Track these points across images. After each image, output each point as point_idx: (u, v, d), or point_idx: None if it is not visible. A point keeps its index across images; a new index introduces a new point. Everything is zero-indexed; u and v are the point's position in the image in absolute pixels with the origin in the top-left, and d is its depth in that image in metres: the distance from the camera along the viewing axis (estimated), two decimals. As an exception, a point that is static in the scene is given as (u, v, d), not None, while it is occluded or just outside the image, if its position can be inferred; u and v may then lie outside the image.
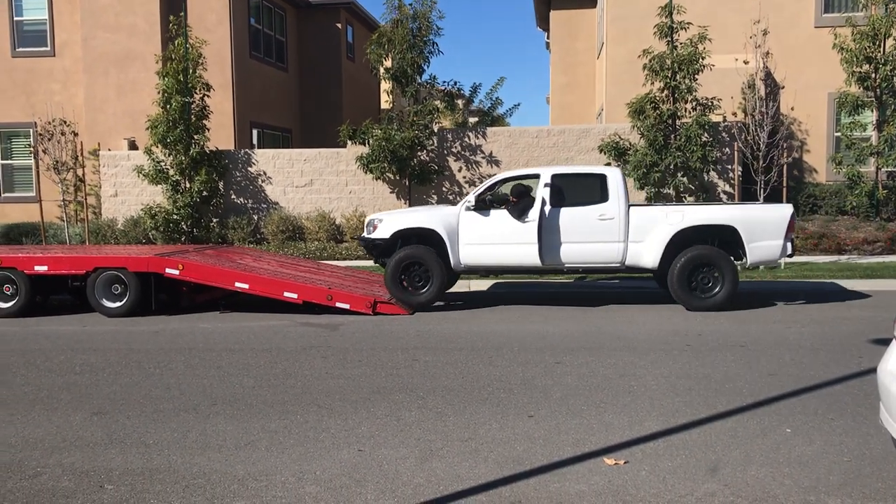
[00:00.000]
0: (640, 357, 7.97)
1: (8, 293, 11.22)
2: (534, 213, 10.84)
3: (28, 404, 6.52)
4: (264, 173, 18.88)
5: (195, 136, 17.96)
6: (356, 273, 13.21)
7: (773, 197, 15.65)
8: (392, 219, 11.36)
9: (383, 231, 11.26)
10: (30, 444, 5.50)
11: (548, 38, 28.06)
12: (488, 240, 11.05)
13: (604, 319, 10.24)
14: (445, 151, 18.89)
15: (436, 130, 18.52)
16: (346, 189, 18.87)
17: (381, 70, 18.47)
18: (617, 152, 17.59)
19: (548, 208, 10.93)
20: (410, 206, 18.38)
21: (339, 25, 26.02)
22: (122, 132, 20.40)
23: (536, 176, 11.19)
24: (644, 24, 17.97)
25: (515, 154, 18.82)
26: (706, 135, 16.86)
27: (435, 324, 10.07)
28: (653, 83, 16.91)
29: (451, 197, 18.98)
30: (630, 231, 10.87)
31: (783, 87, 18.02)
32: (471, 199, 11.12)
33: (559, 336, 9.14)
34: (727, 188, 17.68)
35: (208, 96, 18.30)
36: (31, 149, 19.23)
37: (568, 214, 10.96)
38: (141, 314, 11.02)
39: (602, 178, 11.09)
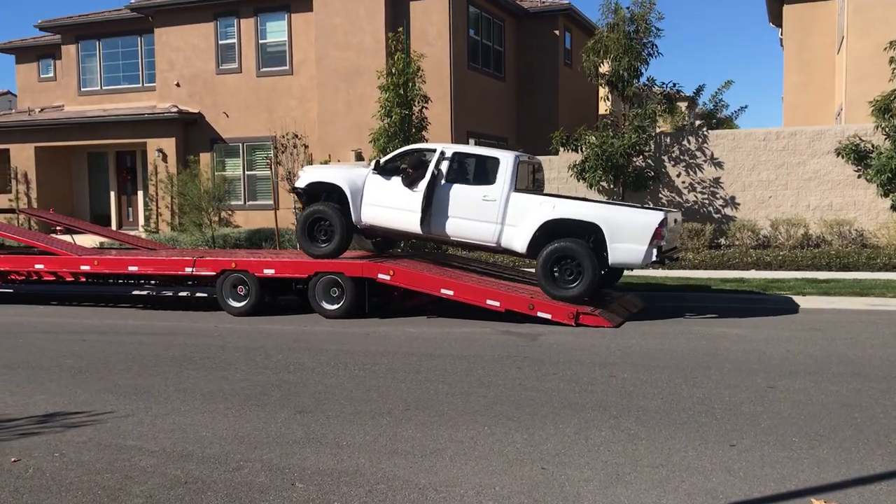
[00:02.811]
0: (869, 385, 7.11)
1: (241, 294, 12.24)
2: (422, 185, 11.39)
3: (243, 399, 7.03)
4: (478, 181, 19.18)
5: (414, 147, 18.62)
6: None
7: None
8: (311, 171, 12.48)
9: (302, 181, 12.35)
10: (238, 437, 5.91)
11: (781, 34, 26.21)
12: (385, 203, 11.75)
13: (832, 340, 9.29)
14: (663, 156, 18.17)
15: (653, 135, 17.87)
16: (558, 197, 18.70)
17: (596, 75, 18.13)
18: (857, 155, 16.03)
19: (442, 181, 11.44)
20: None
21: (556, 32, 25.94)
22: (350, 144, 21.65)
23: (441, 152, 11.60)
24: (891, 12, 16.20)
25: (740, 158, 17.71)
26: (967, 134, 14.88)
27: (639, 338, 9.66)
28: (901, 78, 15.20)
29: (668, 204, 18.21)
30: (507, 215, 11.13)
31: None
32: (378, 162, 11.92)
33: (778, 357, 8.40)
34: None
35: (426, 108, 18.92)
36: (269, 161, 20.93)
37: (456, 191, 11.43)
38: (356, 316, 11.55)
39: (495, 161, 11.39)
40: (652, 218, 10.61)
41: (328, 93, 22.31)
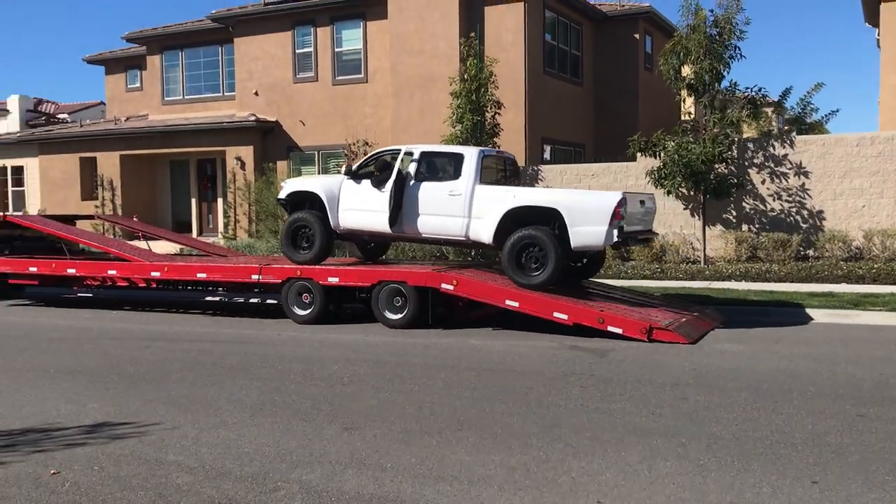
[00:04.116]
0: (975, 417, 6.38)
1: (306, 302, 12.12)
2: (389, 185, 11.69)
3: (292, 413, 6.80)
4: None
5: (486, 153, 18.28)
6: (634, 296, 12.43)
7: None
8: (292, 182, 13.16)
9: (283, 192, 12.94)
10: (280, 455, 5.66)
11: (878, 34, 24.81)
12: (358, 206, 12.10)
13: (931, 363, 8.49)
14: (746, 163, 17.33)
15: (736, 141, 17.03)
16: (635, 205, 18.04)
17: (676, 79, 17.40)
18: (961, 161, 14.86)
19: (411, 182, 11.71)
20: (705, 224, 17.10)
21: (636, 36, 25.20)
22: (423, 151, 21.41)
23: (409, 153, 11.97)
24: None
25: (830, 165, 16.72)
26: None
27: (716, 356, 9.04)
28: None
29: (752, 213, 17.34)
30: (473, 208, 11.30)
31: None
32: (351, 168, 12.35)
33: (869, 380, 7.69)
34: None
35: (499, 114, 18.57)
36: (339, 168, 20.89)
37: (424, 188, 11.66)
38: (419, 326, 11.27)
39: (460, 157, 11.59)
40: (610, 199, 10.62)
41: (402, 100, 22.18)
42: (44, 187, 28.07)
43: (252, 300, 13.65)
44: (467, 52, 18.30)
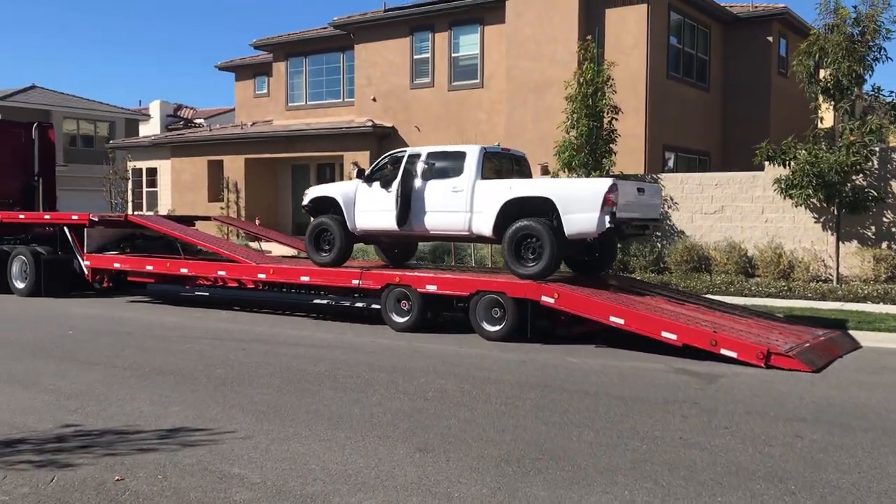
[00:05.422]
0: None
1: (405, 308, 11.90)
2: (395, 185, 12.12)
3: (367, 428, 6.50)
4: (670, 198, 17.78)
5: (602, 161, 17.60)
6: (754, 316, 11.49)
7: None
8: (313, 189, 13.85)
9: (306, 199, 13.61)
10: (345, 475, 5.35)
11: None
12: (370, 207, 12.60)
13: None
14: (889, 175, 15.86)
15: (875, 151, 15.61)
16: (761, 217, 16.90)
17: (810, 83, 16.12)
18: None
19: (418, 181, 12.13)
20: (839, 240, 15.76)
21: (769, 39, 23.76)
22: (537, 157, 20.82)
23: (415, 154, 12.36)
24: None
25: None
26: None
27: (842, 389, 8.11)
28: None
29: (893, 230, 15.85)
30: (475, 202, 11.63)
31: None
32: (363, 171, 12.84)
33: None
34: None
35: (616, 119, 17.83)
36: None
37: (429, 187, 12.05)
38: (517, 340, 10.82)
39: (462, 154, 11.96)
40: (600, 185, 10.75)
41: (516, 105, 21.76)
42: (174, 188, 29.36)
43: (357, 304, 13.52)
44: (584, 55, 17.65)
